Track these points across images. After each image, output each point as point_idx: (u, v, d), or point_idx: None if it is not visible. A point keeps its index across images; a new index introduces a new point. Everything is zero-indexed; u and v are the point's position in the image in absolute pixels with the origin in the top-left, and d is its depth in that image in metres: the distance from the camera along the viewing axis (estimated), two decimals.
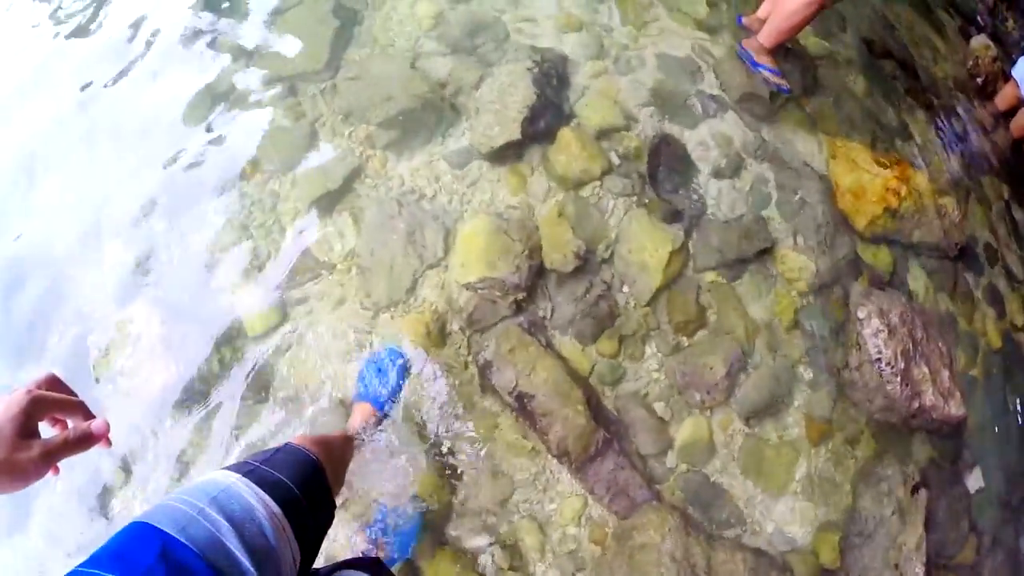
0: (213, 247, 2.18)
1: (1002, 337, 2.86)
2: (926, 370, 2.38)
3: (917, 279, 2.61)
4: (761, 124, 2.62)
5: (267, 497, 0.91)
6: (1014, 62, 3.70)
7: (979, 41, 3.88)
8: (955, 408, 2.39)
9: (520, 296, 2.05)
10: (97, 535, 1.85)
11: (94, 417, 0.83)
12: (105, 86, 2.54)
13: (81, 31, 2.75)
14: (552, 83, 2.46)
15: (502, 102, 2.32)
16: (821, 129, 2.73)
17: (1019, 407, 2.74)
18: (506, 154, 2.30)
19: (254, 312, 2.05)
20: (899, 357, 2.29)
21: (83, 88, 2.54)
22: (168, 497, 0.85)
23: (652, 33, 2.80)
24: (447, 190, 2.25)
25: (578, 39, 2.68)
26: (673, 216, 2.30)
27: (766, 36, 2.64)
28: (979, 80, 3.79)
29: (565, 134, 2.32)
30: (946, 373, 2.46)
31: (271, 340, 2.03)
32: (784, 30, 2.57)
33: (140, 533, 0.76)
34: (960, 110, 3.50)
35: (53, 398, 0.80)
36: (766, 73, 2.67)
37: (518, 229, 2.13)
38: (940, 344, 2.52)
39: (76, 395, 0.86)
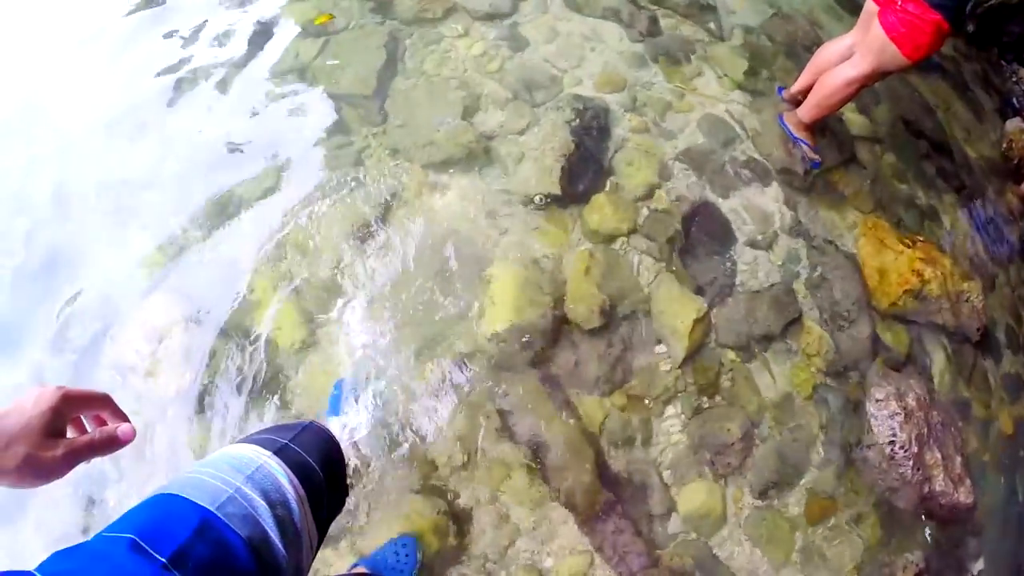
0: (245, 258, 2.23)
1: (1015, 424, 2.83)
2: (938, 455, 2.37)
3: (935, 362, 2.61)
4: (795, 196, 2.65)
5: (296, 479, 0.90)
6: None
7: (1014, 124, 3.89)
8: (964, 495, 2.38)
9: (544, 347, 2.08)
10: (87, 526, 1.89)
11: (123, 415, 0.83)
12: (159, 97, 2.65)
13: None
14: (592, 134, 2.53)
15: (541, 154, 2.39)
16: (852, 205, 2.75)
17: None
18: (543, 203, 2.36)
19: (281, 330, 2.09)
20: (913, 441, 2.29)
21: (134, 87, 2.66)
22: (198, 470, 0.84)
23: (694, 96, 2.85)
24: (482, 231, 2.30)
25: (621, 96, 2.75)
26: (701, 281, 2.34)
27: (806, 111, 2.67)
28: (1012, 163, 3.79)
29: (600, 196, 2.39)
30: (958, 459, 2.46)
31: (294, 358, 2.07)
32: (824, 107, 2.60)
33: (176, 506, 0.76)
34: (991, 194, 3.49)
35: (83, 394, 0.78)
36: (803, 147, 2.70)
37: (548, 280, 2.18)
38: (954, 429, 2.52)
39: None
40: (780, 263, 2.50)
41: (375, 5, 2.95)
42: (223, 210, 2.34)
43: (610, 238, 2.35)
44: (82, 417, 0.81)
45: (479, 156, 2.45)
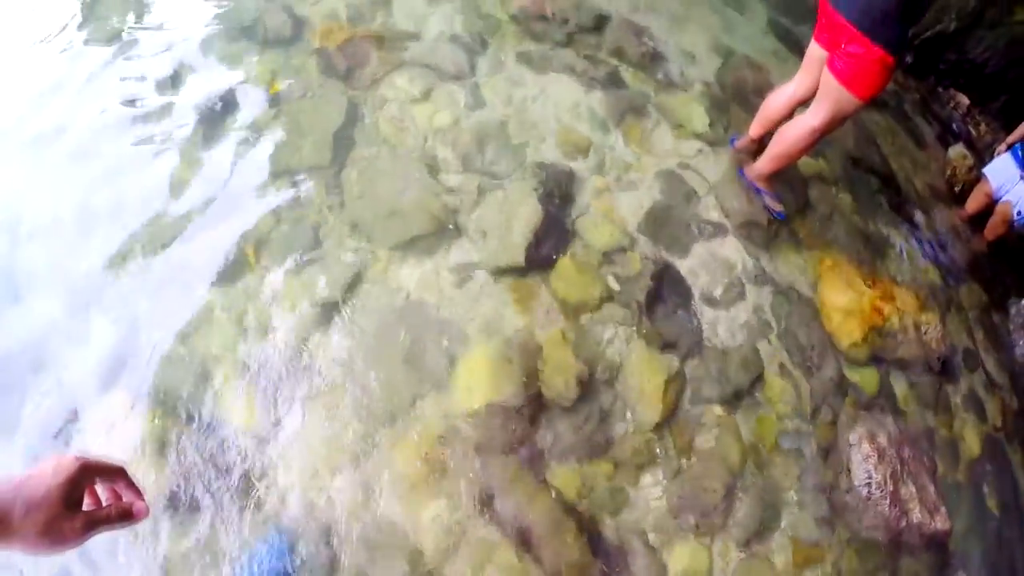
0: (203, 339, 2.16)
1: (982, 441, 2.93)
2: (913, 488, 2.45)
3: (901, 395, 2.70)
4: (758, 249, 2.71)
5: None
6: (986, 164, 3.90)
7: (956, 151, 4.07)
8: (941, 523, 2.46)
9: (522, 422, 2.08)
10: None
11: (136, 489, 0.84)
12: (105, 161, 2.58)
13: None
14: (555, 201, 2.55)
15: (507, 223, 2.41)
16: (811, 250, 2.83)
17: (999, 509, 2.81)
18: (510, 274, 2.36)
19: (243, 417, 2.03)
20: (888, 480, 2.36)
21: (81, 157, 2.57)
22: None
23: (654, 154, 2.89)
24: (450, 305, 2.28)
25: (583, 157, 2.79)
26: (670, 344, 2.37)
27: (767, 163, 2.71)
28: (956, 189, 3.96)
29: (566, 262, 2.42)
30: (931, 488, 2.54)
31: (260, 449, 1.99)
32: (786, 157, 2.64)
33: None
34: (940, 220, 3.63)
35: (100, 465, 0.80)
36: (766, 199, 2.75)
37: (521, 355, 2.18)
38: (925, 459, 2.60)
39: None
40: (746, 315, 2.55)
41: (332, 68, 2.95)
42: (180, 285, 2.26)
43: (580, 308, 2.36)
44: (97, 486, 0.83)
45: (444, 229, 2.45)
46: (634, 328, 2.35)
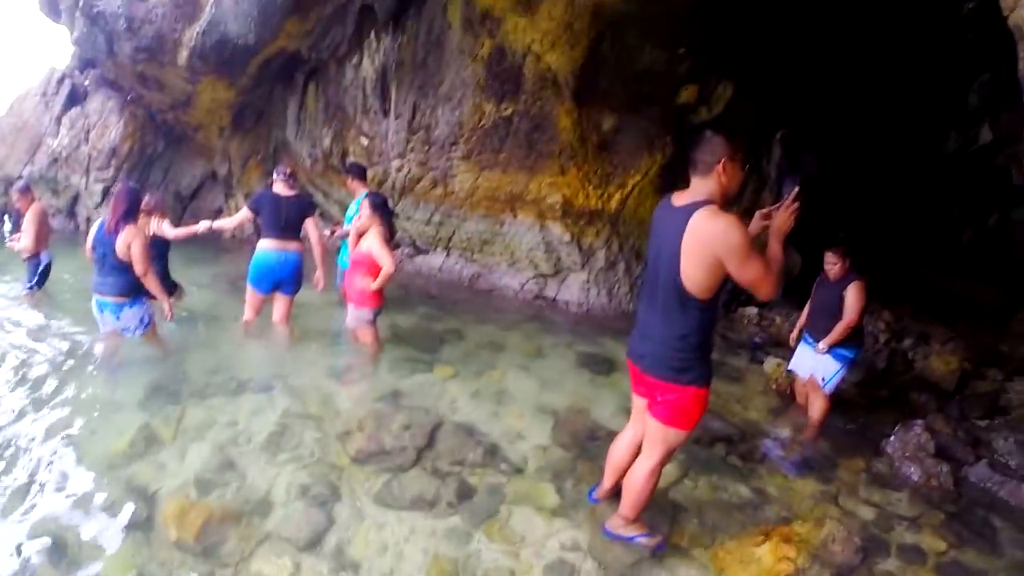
0: None
1: (938, 572, 3.26)
2: None
3: None
4: None
5: None
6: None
7: (769, 364, 4.91)
8: None
9: None
10: None
11: None
12: None
13: None
14: None
15: None
16: (699, 550, 3.14)
17: None
18: None
19: None
20: None
21: None
22: None
23: (525, 547, 3.07)
24: None
25: None
26: None
27: (627, 510, 2.97)
28: (786, 393, 4.66)
29: None
30: None
31: None
32: (640, 501, 2.97)
33: None
34: (787, 434, 4.23)
35: None
36: (640, 540, 3.04)
37: None
38: None
39: None
40: None
41: (192, 558, 2.88)
42: None
43: None
44: None
45: None
46: None
